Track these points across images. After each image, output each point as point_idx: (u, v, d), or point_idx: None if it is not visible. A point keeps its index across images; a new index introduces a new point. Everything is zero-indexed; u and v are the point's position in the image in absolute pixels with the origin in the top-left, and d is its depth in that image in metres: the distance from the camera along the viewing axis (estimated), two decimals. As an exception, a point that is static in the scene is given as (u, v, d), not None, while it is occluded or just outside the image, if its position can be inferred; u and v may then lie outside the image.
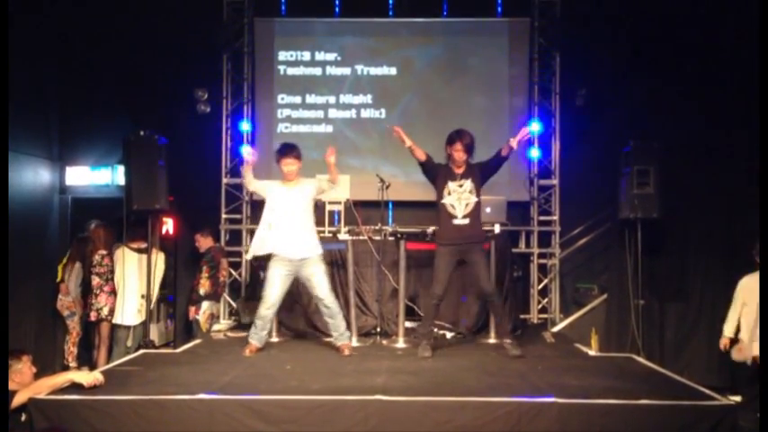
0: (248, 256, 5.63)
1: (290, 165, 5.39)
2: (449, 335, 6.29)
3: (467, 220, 5.28)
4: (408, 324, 6.24)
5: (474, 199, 5.30)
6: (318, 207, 6.35)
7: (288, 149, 5.44)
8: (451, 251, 5.32)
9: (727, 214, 6.16)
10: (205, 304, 6.85)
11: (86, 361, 6.84)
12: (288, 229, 5.33)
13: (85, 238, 6.84)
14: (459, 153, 5.27)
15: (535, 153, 8.05)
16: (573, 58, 7.90)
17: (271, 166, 7.91)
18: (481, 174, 5.37)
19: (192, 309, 6.84)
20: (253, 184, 5.49)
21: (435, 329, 6.27)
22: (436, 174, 5.39)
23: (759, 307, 4.76)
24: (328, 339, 5.87)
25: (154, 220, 6.25)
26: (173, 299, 7.06)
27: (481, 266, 5.33)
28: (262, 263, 6.77)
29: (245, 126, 8.12)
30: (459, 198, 5.29)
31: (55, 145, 7.77)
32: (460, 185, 5.29)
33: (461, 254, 5.33)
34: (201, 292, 6.80)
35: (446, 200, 5.31)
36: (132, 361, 5.13)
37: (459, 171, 5.33)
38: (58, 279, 6.74)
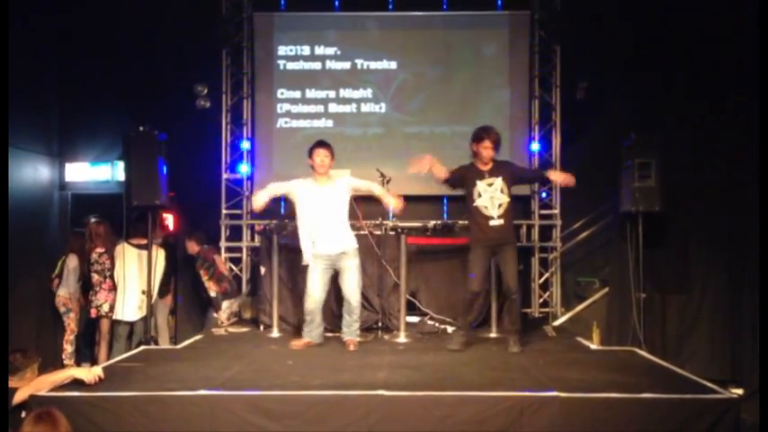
0: (304, 263, 5.54)
1: (322, 155, 5.45)
2: (450, 329, 6.28)
3: (502, 221, 5.24)
4: (410, 319, 6.24)
5: (506, 198, 5.25)
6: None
7: (322, 142, 5.58)
8: (486, 251, 5.31)
9: (729, 207, 6.12)
10: (225, 303, 6.83)
11: (87, 357, 6.84)
12: (325, 227, 5.40)
13: (81, 233, 6.82)
14: (488, 150, 5.27)
15: (535, 146, 8.02)
16: (573, 51, 7.85)
17: (272, 161, 7.97)
18: (513, 177, 5.34)
19: (213, 310, 6.85)
20: (281, 188, 5.55)
21: (436, 324, 6.29)
22: (463, 178, 5.33)
23: (759, 306, 4.71)
24: (329, 335, 5.87)
25: (154, 216, 6.24)
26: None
27: (512, 264, 5.33)
28: (261, 259, 6.80)
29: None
30: (492, 198, 5.23)
31: (55, 141, 7.76)
32: (490, 184, 5.25)
33: (494, 250, 5.33)
34: (213, 294, 6.78)
35: (478, 202, 5.24)
36: (133, 357, 5.14)
37: (487, 168, 5.29)
38: (54, 274, 6.73)
